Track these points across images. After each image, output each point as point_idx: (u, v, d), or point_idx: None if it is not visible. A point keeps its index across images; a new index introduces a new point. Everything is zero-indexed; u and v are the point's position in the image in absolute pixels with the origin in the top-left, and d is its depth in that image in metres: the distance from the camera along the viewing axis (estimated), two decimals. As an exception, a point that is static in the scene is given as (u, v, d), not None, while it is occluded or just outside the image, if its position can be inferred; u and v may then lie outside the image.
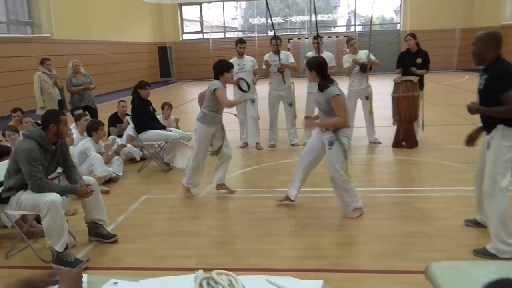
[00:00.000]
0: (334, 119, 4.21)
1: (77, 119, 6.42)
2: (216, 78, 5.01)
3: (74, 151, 5.47)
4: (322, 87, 4.23)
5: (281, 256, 3.61)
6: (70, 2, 15.78)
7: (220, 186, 5.26)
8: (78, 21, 16.29)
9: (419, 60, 6.92)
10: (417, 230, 3.98)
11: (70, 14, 15.73)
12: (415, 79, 6.79)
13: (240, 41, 7.38)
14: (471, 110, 3.60)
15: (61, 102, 8.22)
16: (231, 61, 7.40)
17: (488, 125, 3.53)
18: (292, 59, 7.42)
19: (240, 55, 7.34)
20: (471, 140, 3.88)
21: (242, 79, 6.50)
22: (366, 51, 7.18)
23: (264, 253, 3.68)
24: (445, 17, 22.08)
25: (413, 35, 7.05)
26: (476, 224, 4.00)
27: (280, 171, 6.17)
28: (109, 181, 5.77)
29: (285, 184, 5.42)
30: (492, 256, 3.44)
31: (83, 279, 1.68)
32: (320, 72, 4.23)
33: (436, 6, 22.11)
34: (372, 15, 7.78)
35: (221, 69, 4.99)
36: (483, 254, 3.48)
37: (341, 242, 3.86)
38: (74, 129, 6.20)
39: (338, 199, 4.41)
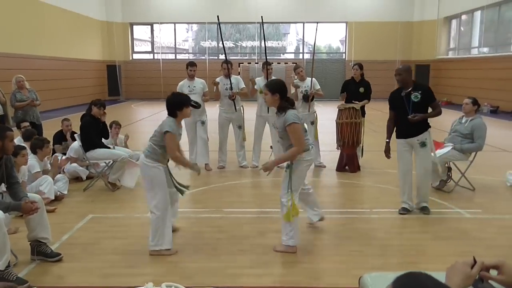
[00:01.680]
0: (287, 153, 4.07)
1: (38, 147, 5.98)
2: (172, 114, 4.20)
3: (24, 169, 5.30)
4: (282, 109, 4.06)
5: (228, 274, 3.70)
6: (17, 15, 15.32)
7: None
8: (24, 35, 15.81)
9: (361, 90, 7.36)
10: (356, 249, 4.21)
11: (16, 27, 15.25)
12: (357, 106, 7.20)
13: (191, 64, 7.53)
14: (417, 119, 4.98)
15: (3, 117, 7.95)
16: (181, 83, 7.57)
17: (420, 129, 5.07)
18: (242, 85, 7.64)
19: (191, 77, 7.48)
20: (388, 152, 5.37)
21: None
22: (314, 79, 7.53)
23: (211, 271, 3.76)
24: (386, 49, 23.44)
25: (360, 66, 7.48)
26: (407, 211, 5.23)
27: (229, 192, 6.28)
28: (53, 199, 5.63)
29: (234, 205, 5.56)
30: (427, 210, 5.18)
31: None
32: (282, 95, 4.07)
33: (378, 39, 23.44)
34: (314, 45, 8.19)
35: (180, 104, 4.21)
36: (428, 211, 5.18)
37: (285, 261, 4.01)
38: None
39: (282, 229, 4.17)
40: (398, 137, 5.24)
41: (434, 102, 5.18)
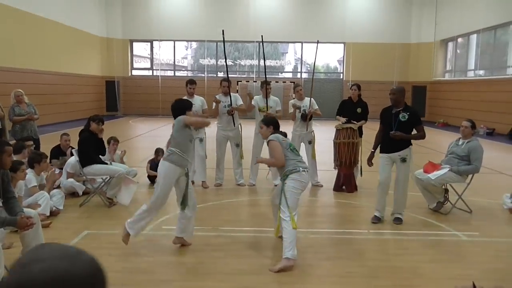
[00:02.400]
0: (269, 158, 4.72)
1: (36, 161, 5.89)
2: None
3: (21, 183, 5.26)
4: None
5: (224, 294, 3.67)
6: (17, 30, 15.44)
7: (179, 239, 4.74)
8: (24, 49, 15.91)
9: (359, 110, 7.40)
10: (353, 270, 4.19)
11: (16, 42, 15.35)
12: (355, 126, 7.24)
13: (191, 82, 7.58)
14: (396, 136, 5.43)
15: (0, 132, 7.93)
16: (181, 100, 7.60)
17: (403, 146, 5.49)
18: (240, 102, 7.69)
19: (190, 95, 7.52)
20: (370, 160, 5.87)
21: None
22: (312, 99, 7.58)
23: (206, 290, 3.73)
24: (384, 70, 23.67)
25: (358, 86, 7.54)
26: (379, 220, 5.65)
27: (226, 210, 6.26)
28: (49, 215, 5.59)
29: (230, 223, 5.54)
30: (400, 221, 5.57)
31: None
32: (275, 128, 4.78)
33: (375, 60, 23.70)
34: (314, 65, 8.25)
35: (183, 109, 4.82)
36: (400, 221, 5.55)
37: (281, 281, 3.98)
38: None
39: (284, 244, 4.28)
40: (381, 151, 5.72)
41: (419, 125, 5.57)
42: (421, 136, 5.59)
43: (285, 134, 4.99)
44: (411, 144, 5.59)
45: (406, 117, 5.48)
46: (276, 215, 4.74)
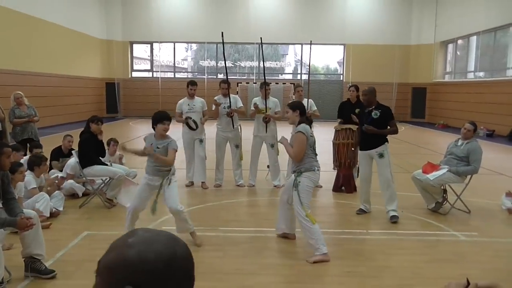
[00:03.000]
0: (290, 148, 4.65)
1: (36, 164, 6.03)
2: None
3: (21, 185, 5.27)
4: (300, 122, 4.66)
5: (223, 294, 3.69)
6: (17, 32, 15.47)
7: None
8: (24, 52, 15.95)
9: (357, 110, 7.41)
10: (352, 270, 4.21)
11: (16, 44, 15.39)
12: (354, 127, 7.25)
13: (192, 83, 7.60)
14: (369, 131, 5.77)
15: (1, 134, 7.94)
16: (181, 101, 7.65)
17: (378, 142, 5.80)
18: (240, 103, 7.71)
19: (191, 96, 7.54)
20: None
21: (190, 118, 6.87)
22: (310, 99, 7.60)
23: (205, 290, 3.74)
24: (384, 72, 23.68)
25: (357, 88, 7.56)
26: (363, 212, 6.03)
27: (225, 211, 6.28)
28: (49, 216, 5.60)
29: (229, 223, 5.55)
30: (395, 218, 5.66)
31: None
32: (301, 112, 4.73)
33: (375, 61, 23.72)
34: (309, 67, 8.24)
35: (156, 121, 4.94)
36: (396, 218, 5.66)
37: (281, 281, 4.00)
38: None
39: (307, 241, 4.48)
40: (360, 149, 6.14)
41: (391, 120, 5.93)
42: (394, 131, 5.96)
43: (311, 121, 5.01)
44: (387, 141, 5.92)
45: (378, 114, 5.84)
46: (282, 209, 4.86)
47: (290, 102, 5.23)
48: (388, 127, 5.91)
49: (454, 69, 22.54)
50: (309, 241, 4.40)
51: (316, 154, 4.75)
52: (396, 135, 6.29)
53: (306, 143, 4.53)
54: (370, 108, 5.92)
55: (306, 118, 4.78)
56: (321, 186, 7.69)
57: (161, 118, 4.87)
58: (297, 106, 4.74)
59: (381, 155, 5.81)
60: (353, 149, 6.52)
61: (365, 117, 5.95)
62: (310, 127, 7.45)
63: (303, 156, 4.52)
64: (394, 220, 5.69)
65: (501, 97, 17.07)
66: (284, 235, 5.01)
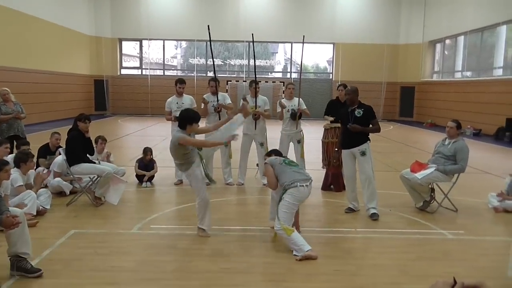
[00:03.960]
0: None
1: (23, 161, 5.90)
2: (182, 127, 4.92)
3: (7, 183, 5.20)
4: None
5: (211, 292, 3.68)
6: (4, 28, 15.26)
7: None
8: (11, 48, 15.74)
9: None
10: (340, 269, 4.22)
11: (2, 40, 15.18)
12: (343, 126, 7.28)
13: (180, 81, 7.57)
14: (354, 129, 5.86)
15: (-14, 130, 7.85)
16: (169, 99, 7.62)
17: (361, 141, 5.93)
18: (229, 100, 7.70)
19: (180, 94, 7.51)
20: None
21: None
22: (300, 98, 7.61)
23: (194, 289, 3.73)
24: (373, 71, 23.85)
25: (345, 86, 7.55)
26: (352, 210, 6.11)
27: (214, 209, 6.22)
28: (36, 214, 5.54)
29: (218, 222, 5.53)
30: (375, 216, 5.79)
31: None
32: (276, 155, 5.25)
33: (364, 60, 23.86)
34: (301, 64, 8.23)
35: (190, 118, 4.92)
36: (376, 215, 5.81)
37: (269, 279, 4.00)
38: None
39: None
40: (343, 147, 6.18)
41: (374, 119, 6.03)
42: (376, 129, 6.06)
43: (280, 154, 5.35)
44: (369, 140, 6.03)
45: (361, 113, 5.94)
46: (273, 207, 5.01)
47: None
48: (371, 125, 6.00)
49: (442, 68, 22.75)
50: (290, 247, 4.52)
51: (295, 165, 4.95)
52: (379, 133, 6.35)
53: (273, 168, 4.83)
54: (353, 107, 6.02)
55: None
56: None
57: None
58: (270, 153, 5.35)
59: (363, 153, 5.94)
60: (336, 149, 6.59)
61: (349, 116, 6.03)
62: (296, 125, 7.52)
63: (276, 182, 4.81)
64: (374, 217, 5.80)
65: (488, 96, 17.27)
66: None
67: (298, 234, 4.56)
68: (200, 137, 5.55)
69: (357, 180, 6.14)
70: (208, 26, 7.41)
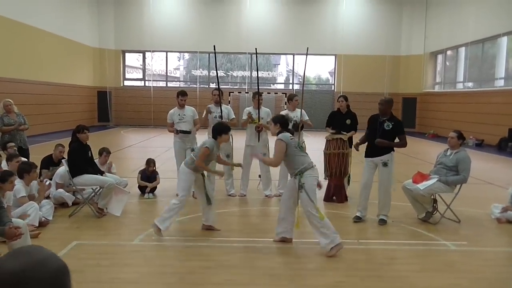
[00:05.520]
0: (266, 158, 5.12)
1: (8, 159, 6.17)
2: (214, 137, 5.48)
3: (9, 193, 5.23)
4: (279, 133, 4.99)
5: (213, 304, 3.66)
6: (9, 40, 15.41)
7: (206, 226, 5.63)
8: (16, 59, 15.87)
9: (348, 121, 7.47)
10: (343, 280, 4.20)
11: (7, 52, 15.32)
12: (345, 137, 7.30)
13: (182, 94, 7.61)
14: (380, 143, 5.92)
15: (-10, 142, 7.89)
16: (171, 111, 7.65)
17: (385, 151, 5.97)
18: (232, 115, 7.73)
19: (181, 106, 7.54)
20: (357, 146, 6.49)
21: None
22: (302, 110, 7.63)
23: (196, 300, 3.72)
24: (374, 82, 23.91)
25: (345, 98, 7.61)
26: (359, 219, 6.15)
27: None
28: (38, 226, 5.55)
29: (220, 233, 5.53)
30: (384, 222, 5.99)
31: None
32: (283, 125, 5.08)
33: (366, 72, 23.95)
34: (304, 75, 8.26)
35: (219, 131, 5.46)
36: (385, 222, 5.99)
37: (272, 291, 3.98)
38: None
39: (319, 237, 4.80)
40: (366, 156, 6.22)
41: (402, 134, 6.08)
42: (402, 144, 6.08)
43: (292, 132, 5.19)
44: (393, 150, 6.08)
45: (390, 126, 6.01)
46: (286, 213, 5.09)
47: (274, 116, 5.52)
48: (397, 139, 6.10)
49: (444, 79, 22.80)
50: (322, 235, 4.72)
51: (304, 151, 5.12)
52: (402, 148, 6.26)
53: (286, 149, 4.84)
54: (384, 119, 6.07)
55: (287, 130, 5.08)
56: (320, 187, 7.71)
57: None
58: (278, 120, 5.13)
59: (385, 164, 6.01)
60: (343, 158, 6.78)
61: (376, 126, 6.08)
62: (299, 136, 7.53)
63: (280, 162, 5.00)
64: (382, 223, 6.04)
65: (490, 107, 17.28)
66: (283, 239, 5.17)
67: (328, 221, 4.79)
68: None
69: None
70: (214, 46, 7.50)
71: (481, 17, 18.47)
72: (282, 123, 5.09)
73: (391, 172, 6.08)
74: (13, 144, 7.16)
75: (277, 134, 5.00)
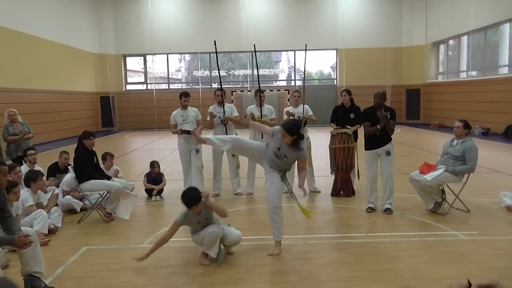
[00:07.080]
0: (266, 127, 5.05)
1: (32, 179, 5.99)
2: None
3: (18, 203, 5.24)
4: (297, 145, 4.61)
5: (224, 304, 3.66)
6: (10, 49, 15.48)
7: None
8: (17, 69, 15.94)
9: (352, 115, 7.43)
10: (353, 275, 4.19)
11: (9, 61, 15.40)
12: (349, 131, 7.27)
13: (185, 95, 7.61)
14: (383, 116, 6.15)
15: (-4, 151, 7.94)
16: (174, 112, 7.66)
17: (385, 141, 6.26)
18: (236, 113, 7.72)
19: (184, 107, 7.55)
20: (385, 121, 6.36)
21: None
22: (306, 105, 7.62)
23: (207, 301, 3.72)
24: (377, 75, 23.80)
25: (348, 92, 7.58)
26: (372, 210, 6.36)
27: (223, 220, 6.23)
28: (47, 232, 5.57)
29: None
30: (390, 211, 6.21)
31: None
32: (298, 136, 4.56)
33: (368, 65, 23.86)
34: (304, 71, 8.24)
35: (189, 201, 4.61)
36: (391, 211, 6.20)
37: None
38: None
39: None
40: (366, 148, 6.43)
41: (394, 120, 6.43)
42: (393, 128, 6.44)
43: (301, 137, 4.82)
44: (392, 139, 6.35)
45: (389, 115, 6.29)
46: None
47: (286, 125, 4.63)
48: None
49: (447, 69, 22.67)
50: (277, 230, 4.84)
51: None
52: (392, 135, 6.45)
53: (271, 139, 4.80)
54: (381, 110, 6.34)
55: (301, 138, 4.77)
56: (319, 191, 7.70)
57: None
58: (294, 133, 4.53)
59: (388, 153, 6.29)
60: (350, 152, 6.89)
61: (375, 118, 6.29)
62: (303, 132, 7.52)
63: (270, 133, 4.85)
64: (389, 212, 6.23)
65: (495, 95, 17.17)
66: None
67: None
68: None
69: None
70: (215, 41, 7.47)
71: (482, 4, 18.33)
72: (298, 135, 4.59)
73: (393, 160, 6.35)
74: (33, 151, 7.11)
75: (297, 143, 4.63)
